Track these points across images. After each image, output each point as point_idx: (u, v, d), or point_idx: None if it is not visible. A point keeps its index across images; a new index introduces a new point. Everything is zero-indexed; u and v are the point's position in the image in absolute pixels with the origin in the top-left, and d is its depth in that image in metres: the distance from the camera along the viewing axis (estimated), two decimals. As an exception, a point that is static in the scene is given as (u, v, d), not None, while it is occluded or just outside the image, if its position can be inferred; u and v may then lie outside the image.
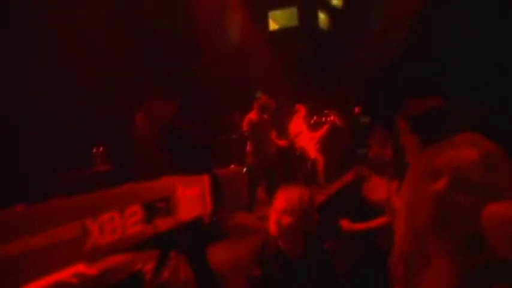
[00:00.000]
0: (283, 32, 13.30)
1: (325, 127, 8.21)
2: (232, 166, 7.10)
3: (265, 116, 6.51)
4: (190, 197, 1.26)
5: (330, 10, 14.30)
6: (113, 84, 5.50)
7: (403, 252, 1.07)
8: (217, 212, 6.01)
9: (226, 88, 9.16)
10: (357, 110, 10.29)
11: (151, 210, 1.06)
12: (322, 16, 13.92)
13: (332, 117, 8.11)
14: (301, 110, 8.24)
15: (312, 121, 8.68)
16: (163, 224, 1.10)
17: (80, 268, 1.32)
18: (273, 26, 13.62)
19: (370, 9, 14.22)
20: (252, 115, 6.42)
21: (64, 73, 5.27)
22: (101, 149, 4.13)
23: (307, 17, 13.00)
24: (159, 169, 4.33)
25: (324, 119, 8.53)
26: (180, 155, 4.23)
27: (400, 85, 10.54)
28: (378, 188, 2.44)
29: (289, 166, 8.26)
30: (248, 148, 6.51)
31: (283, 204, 2.20)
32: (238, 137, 7.13)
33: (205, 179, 1.29)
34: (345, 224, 3.22)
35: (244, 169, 6.81)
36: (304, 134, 8.13)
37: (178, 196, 1.19)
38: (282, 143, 7.24)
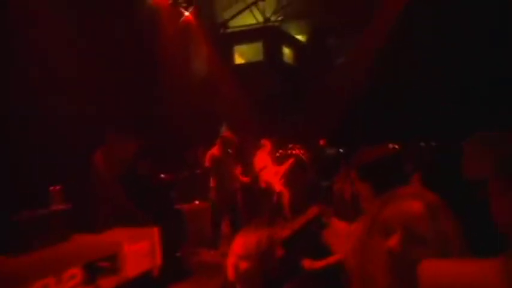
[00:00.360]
0: (248, 66, 13.49)
1: (290, 161, 8.28)
2: (197, 202, 7.02)
3: (229, 151, 6.49)
4: (138, 252, 1.20)
5: (295, 45, 14.64)
6: (72, 120, 5.39)
7: None
8: (182, 248, 5.91)
9: (191, 122, 9.12)
10: (322, 142, 10.44)
11: (94, 271, 1.00)
12: (286, 51, 14.23)
13: (296, 151, 8.19)
14: (267, 144, 8.31)
15: (278, 154, 8.74)
16: (106, 283, 1.04)
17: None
18: (238, 60, 13.79)
19: (331, 44, 14.69)
20: (215, 150, 6.41)
21: (22, 107, 5.13)
22: (58, 187, 3.99)
23: (272, 52, 13.26)
24: (118, 209, 4.24)
25: (289, 152, 8.60)
26: (140, 195, 4.15)
27: (365, 120, 10.84)
28: (338, 233, 2.43)
29: (254, 201, 8.24)
30: (211, 184, 6.45)
31: (240, 249, 2.16)
32: (202, 172, 7.06)
33: (154, 232, 1.23)
34: (307, 263, 3.20)
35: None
36: (269, 168, 8.17)
37: (124, 253, 1.14)
38: (246, 179, 7.23)
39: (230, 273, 2.15)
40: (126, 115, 6.56)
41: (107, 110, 6.03)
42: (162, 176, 6.52)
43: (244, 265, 2.13)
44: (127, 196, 4.23)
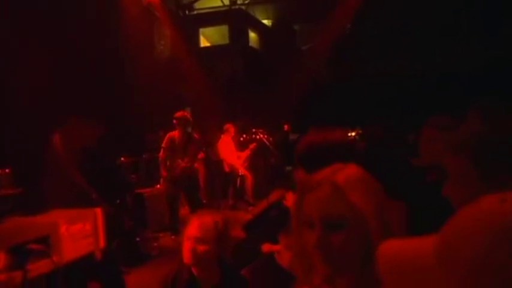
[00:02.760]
0: (214, 49, 13.30)
1: (252, 146, 8.31)
2: (158, 186, 6.91)
3: (195, 136, 6.39)
4: (77, 234, 1.13)
5: (261, 29, 14.53)
6: (26, 100, 5.14)
7: None
8: (142, 233, 5.81)
9: (154, 105, 8.93)
10: (286, 127, 10.48)
11: (22, 254, 0.92)
12: (252, 35, 14.11)
13: (260, 136, 8.19)
14: (230, 129, 8.27)
15: (241, 139, 8.72)
16: (37, 268, 0.97)
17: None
18: (204, 42, 13.57)
19: (297, 30, 14.68)
20: (175, 133, 6.28)
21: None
22: (7, 170, 3.80)
23: (237, 35, 13.11)
24: (75, 193, 4.09)
25: (252, 137, 8.61)
26: (99, 178, 4.03)
27: (329, 106, 10.93)
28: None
29: (217, 184, 8.21)
30: (168, 166, 6.32)
31: (196, 231, 2.11)
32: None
33: (97, 213, 1.16)
34: (266, 247, 3.19)
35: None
36: (233, 152, 8.17)
37: (59, 234, 1.06)
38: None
39: (186, 257, 2.10)
40: (86, 98, 6.33)
41: (65, 92, 5.80)
42: (123, 159, 6.36)
43: (201, 248, 2.08)
44: (85, 179, 4.09)
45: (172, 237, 6.16)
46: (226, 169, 8.30)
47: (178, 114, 6.32)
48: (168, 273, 2.23)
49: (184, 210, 6.66)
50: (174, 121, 6.24)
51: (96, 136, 4.44)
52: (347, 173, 0.99)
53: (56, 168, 4.17)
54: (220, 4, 13.12)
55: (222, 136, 8.31)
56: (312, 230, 0.96)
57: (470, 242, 0.51)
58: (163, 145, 6.27)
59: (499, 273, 0.49)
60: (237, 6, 13.18)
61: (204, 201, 6.95)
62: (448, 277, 0.54)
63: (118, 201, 5.09)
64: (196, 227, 2.15)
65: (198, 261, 2.12)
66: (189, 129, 6.23)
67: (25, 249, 0.94)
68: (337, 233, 0.94)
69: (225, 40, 13.14)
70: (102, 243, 1.16)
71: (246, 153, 8.30)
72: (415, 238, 0.64)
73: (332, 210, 0.95)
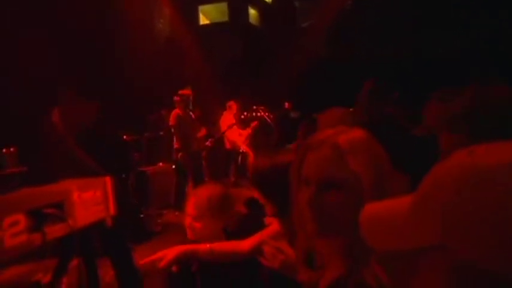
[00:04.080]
0: (213, 26, 13.19)
1: (254, 124, 8.33)
2: (161, 164, 6.97)
3: (196, 113, 6.41)
4: (89, 200, 1.17)
5: (261, 6, 14.38)
6: (28, 80, 5.14)
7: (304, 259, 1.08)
8: (146, 210, 5.88)
9: (155, 84, 8.92)
10: (286, 105, 10.47)
11: (40, 218, 0.97)
12: (252, 12, 13.97)
13: (261, 113, 8.21)
14: (233, 106, 8.28)
15: (243, 116, 8.74)
16: (54, 231, 1.01)
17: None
18: (203, 20, 13.46)
19: (298, 6, 14.52)
20: (178, 110, 6.31)
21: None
22: (12, 149, 3.83)
23: (237, 13, 12.99)
24: (80, 169, 4.13)
25: (253, 114, 8.62)
26: (102, 156, 4.05)
27: (330, 84, 10.89)
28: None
29: (219, 162, 8.27)
30: (175, 145, 6.38)
31: (192, 209, 2.15)
32: (166, 134, 6.97)
33: (107, 181, 1.20)
34: (269, 220, 3.24)
35: (173, 166, 6.69)
36: (235, 129, 8.20)
37: (73, 201, 1.10)
38: (209, 143, 7.18)
39: (189, 234, 2.16)
40: (85, 77, 6.32)
41: (66, 71, 5.78)
42: (125, 137, 6.40)
43: (198, 225, 2.13)
44: (89, 156, 4.13)
45: (176, 213, 6.24)
46: (228, 146, 8.34)
47: (183, 91, 6.34)
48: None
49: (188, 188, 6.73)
50: (177, 98, 6.26)
51: (94, 113, 4.45)
52: (350, 136, 0.98)
53: (58, 145, 4.19)
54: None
55: (224, 113, 8.33)
56: (308, 188, 0.97)
57: (441, 193, 0.53)
58: (171, 123, 6.29)
59: (467, 223, 0.51)
60: (236, -17, 13.05)
61: (206, 179, 7.01)
62: (422, 229, 0.56)
63: (123, 175, 5.14)
64: (191, 204, 2.18)
65: (198, 238, 2.17)
66: (187, 109, 6.28)
67: (42, 213, 0.98)
68: (331, 194, 0.94)
69: (224, 17, 13.03)
70: (112, 210, 1.20)
71: (248, 131, 8.33)
72: (395, 198, 0.66)
73: (329, 172, 0.95)
